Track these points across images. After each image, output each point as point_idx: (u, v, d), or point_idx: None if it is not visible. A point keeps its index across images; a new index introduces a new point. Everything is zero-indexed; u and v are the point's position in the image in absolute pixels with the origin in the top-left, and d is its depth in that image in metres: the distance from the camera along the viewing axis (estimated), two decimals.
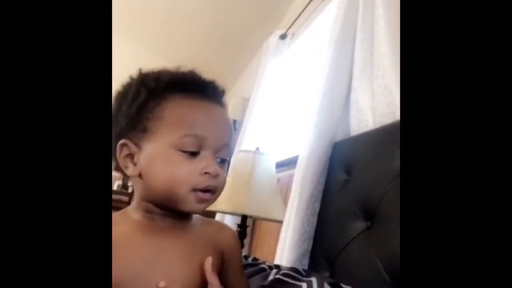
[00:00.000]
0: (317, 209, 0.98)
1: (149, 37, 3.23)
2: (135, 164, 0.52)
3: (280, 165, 1.51)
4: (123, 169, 0.53)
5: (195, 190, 0.49)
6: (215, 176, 0.50)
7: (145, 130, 0.50)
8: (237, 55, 3.04)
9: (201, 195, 0.50)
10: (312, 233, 0.96)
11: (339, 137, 1.02)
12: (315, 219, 0.97)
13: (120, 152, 0.52)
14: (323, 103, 1.02)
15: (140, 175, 0.51)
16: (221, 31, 2.83)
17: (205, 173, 0.50)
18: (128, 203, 3.74)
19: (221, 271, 0.55)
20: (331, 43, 1.07)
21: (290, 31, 1.96)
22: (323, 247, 0.89)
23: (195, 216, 0.57)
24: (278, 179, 1.46)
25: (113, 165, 0.55)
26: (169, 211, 0.52)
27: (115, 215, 0.55)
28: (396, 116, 0.79)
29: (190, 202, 0.50)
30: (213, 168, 0.50)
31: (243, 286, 0.58)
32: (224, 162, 0.54)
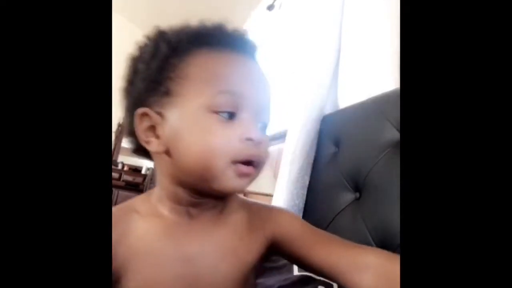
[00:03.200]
0: (307, 182, 0.98)
1: (131, 8, 3.13)
2: (158, 138, 0.42)
3: (270, 139, 1.50)
4: (145, 145, 0.43)
5: (235, 162, 0.40)
6: (258, 143, 0.41)
7: (168, 93, 0.41)
8: None
9: (243, 168, 0.40)
10: (302, 205, 0.97)
11: (328, 109, 1.01)
12: (305, 192, 0.97)
13: (140, 124, 0.42)
14: (312, 76, 1.01)
15: (166, 152, 0.42)
16: (204, 2, 2.75)
17: (247, 139, 0.40)
18: (118, 179, 3.72)
19: (292, 250, 0.46)
20: (319, 12, 1.04)
21: (278, 1, 1.91)
22: (313, 219, 0.90)
23: (238, 200, 0.48)
24: None
25: (132, 145, 0.47)
26: (203, 196, 0.43)
27: (138, 200, 0.47)
28: (386, 87, 0.78)
29: (228, 178, 0.40)
30: (256, 133, 0.41)
31: (331, 239, 0.46)
32: (265, 129, 0.45)
